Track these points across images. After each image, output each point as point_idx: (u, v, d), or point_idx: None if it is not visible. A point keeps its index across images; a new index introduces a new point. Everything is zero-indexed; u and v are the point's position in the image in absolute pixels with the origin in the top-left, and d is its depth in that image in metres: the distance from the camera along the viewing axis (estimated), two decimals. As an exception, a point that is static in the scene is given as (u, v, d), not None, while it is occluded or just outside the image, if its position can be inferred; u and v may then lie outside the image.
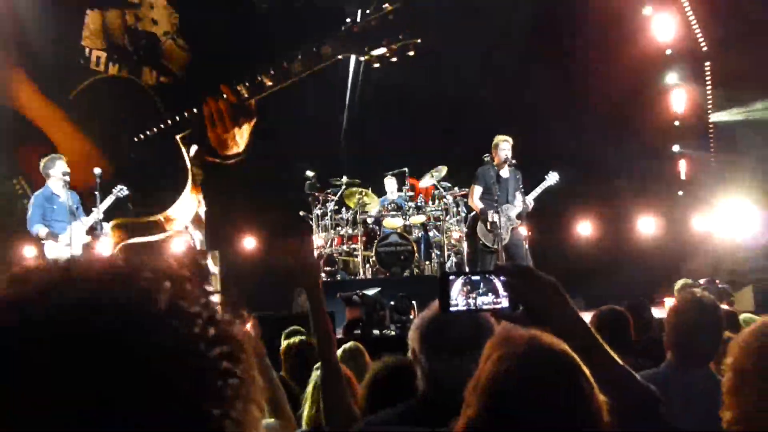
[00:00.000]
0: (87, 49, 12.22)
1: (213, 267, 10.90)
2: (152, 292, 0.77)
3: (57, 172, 11.30)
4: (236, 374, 0.79)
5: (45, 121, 13.77)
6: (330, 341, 3.76)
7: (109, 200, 11.80)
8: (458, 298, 2.21)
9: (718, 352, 4.41)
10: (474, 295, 2.20)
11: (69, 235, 11.07)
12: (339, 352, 5.99)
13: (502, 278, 2.17)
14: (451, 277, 2.23)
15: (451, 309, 2.21)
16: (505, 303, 2.17)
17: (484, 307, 2.20)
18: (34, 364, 0.70)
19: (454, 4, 17.26)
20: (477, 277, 2.22)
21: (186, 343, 0.75)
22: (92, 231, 11.51)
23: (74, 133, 13.34)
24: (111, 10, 12.66)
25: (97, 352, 0.71)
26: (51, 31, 13.28)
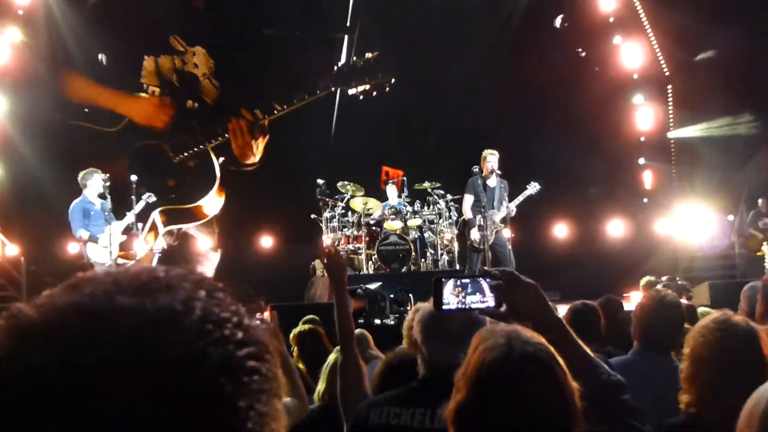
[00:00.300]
0: (145, 85, 12.76)
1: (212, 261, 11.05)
2: (190, 300, 0.80)
3: (94, 184, 11.34)
4: (261, 372, 0.81)
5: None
6: (350, 331, 3.76)
7: (140, 206, 11.86)
8: (450, 298, 2.27)
9: (680, 342, 4.48)
10: (463, 296, 2.26)
11: (107, 237, 11.12)
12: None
13: (488, 281, 2.23)
14: (444, 280, 2.29)
15: (444, 308, 2.27)
16: (491, 302, 2.21)
17: (473, 306, 2.24)
18: (96, 358, 0.73)
19: (443, 35, 17.35)
20: (466, 280, 2.27)
21: (218, 345, 0.78)
22: (128, 231, 11.56)
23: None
24: (163, 56, 13.67)
25: (144, 352, 0.75)
26: (117, 72, 13.85)
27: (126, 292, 0.79)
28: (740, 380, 2.84)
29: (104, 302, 0.78)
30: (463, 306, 2.24)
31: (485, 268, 2.31)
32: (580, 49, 17.97)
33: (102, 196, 11.28)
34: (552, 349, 1.89)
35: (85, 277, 0.83)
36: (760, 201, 14.85)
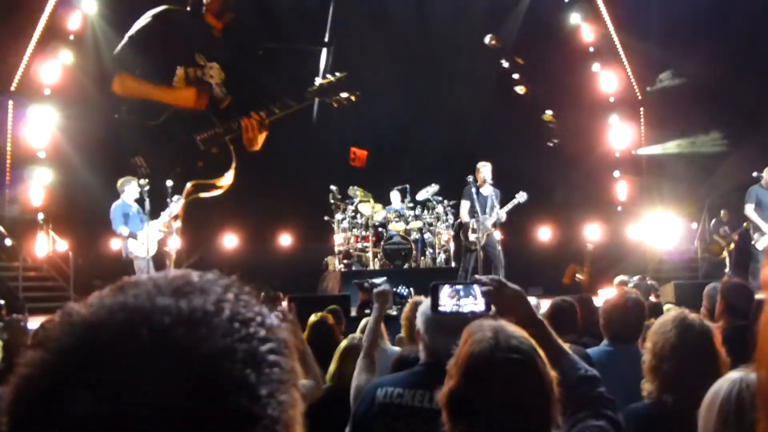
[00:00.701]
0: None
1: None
2: (221, 301, 0.82)
3: (131, 190, 11.45)
4: (281, 364, 0.83)
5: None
6: (374, 343, 3.92)
7: (170, 209, 11.97)
8: (445, 301, 2.28)
9: (643, 333, 4.48)
10: (457, 300, 2.26)
11: (145, 234, 11.19)
12: (361, 324, 6.07)
13: (479, 287, 2.24)
14: (440, 285, 2.30)
15: (440, 310, 2.28)
16: (482, 306, 2.23)
17: (465, 308, 2.26)
18: (136, 350, 0.76)
19: (439, 65, 17.46)
20: (460, 286, 2.28)
21: (244, 341, 0.80)
22: (163, 227, 11.68)
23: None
24: (190, 68, 15.76)
25: (179, 346, 0.77)
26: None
27: (165, 293, 0.82)
28: (696, 371, 2.86)
29: (146, 302, 0.80)
30: (457, 308, 2.26)
31: (476, 276, 2.32)
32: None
33: (139, 201, 11.40)
34: (533, 341, 1.89)
35: (130, 281, 0.86)
36: (722, 212, 14.81)
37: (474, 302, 2.25)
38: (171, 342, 0.77)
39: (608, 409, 2.13)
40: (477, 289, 2.25)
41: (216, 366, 0.77)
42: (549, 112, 18.15)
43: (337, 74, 14.69)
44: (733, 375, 2.07)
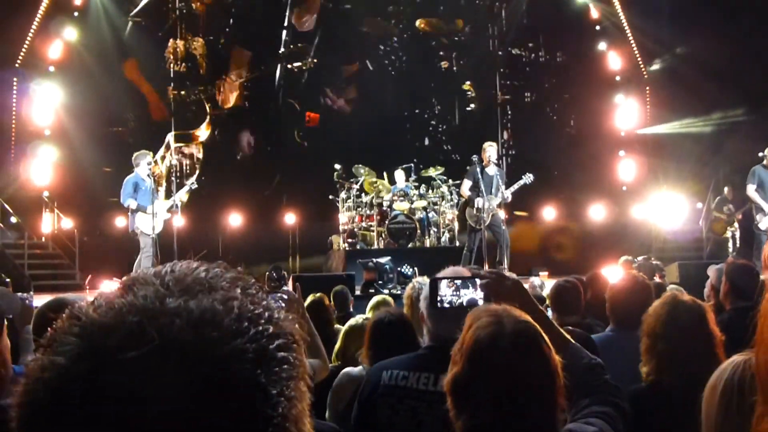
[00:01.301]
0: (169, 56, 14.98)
1: None
2: (229, 299, 0.81)
3: (145, 163, 11.47)
4: (289, 360, 0.82)
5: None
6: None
7: (184, 190, 12.01)
8: (445, 295, 2.31)
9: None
10: (457, 293, 2.29)
11: (153, 210, 11.22)
12: (373, 302, 6.11)
13: (478, 280, 2.27)
14: (439, 280, 2.33)
15: (439, 305, 2.31)
16: (481, 299, 2.26)
17: (465, 301, 2.29)
18: (147, 355, 0.75)
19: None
20: (459, 280, 2.31)
21: (253, 341, 0.79)
22: (170, 209, 11.71)
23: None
24: (179, 40, 17.54)
25: (190, 349, 0.76)
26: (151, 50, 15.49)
27: (173, 293, 0.81)
28: (691, 350, 2.90)
29: (154, 303, 0.79)
30: (457, 302, 2.28)
31: (475, 269, 2.34)
32: None
33: (149, 176, 11.45)
34: (538, 326, 1.91)
35: (138, 279, 0.84)
36: (726, 189, 14.79)
37: (474, 295, 2.27)
38: (181, 345, 0.76)
39: (613, 396, 2.15)
40: (476, 282, 2.27)
41: (227, 368, 0.77)
42: (468, 83, 18.96)
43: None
44: (737, 358, 2.10)
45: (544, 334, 1.89)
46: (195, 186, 12.45)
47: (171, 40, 18.13)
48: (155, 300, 0.80)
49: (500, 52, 19.35)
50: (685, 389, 2.33)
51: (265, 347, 0.81)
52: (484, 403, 1.83)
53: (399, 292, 10.26)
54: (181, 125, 17.74)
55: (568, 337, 2.25)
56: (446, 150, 18.61)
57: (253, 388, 0.78)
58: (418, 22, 19.17)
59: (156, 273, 0.85)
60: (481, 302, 2.26)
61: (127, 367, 0.75)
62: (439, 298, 2.32)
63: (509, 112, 19.24)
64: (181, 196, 11.64)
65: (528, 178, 12.32)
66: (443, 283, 2.32)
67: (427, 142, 18.74)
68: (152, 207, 11.22)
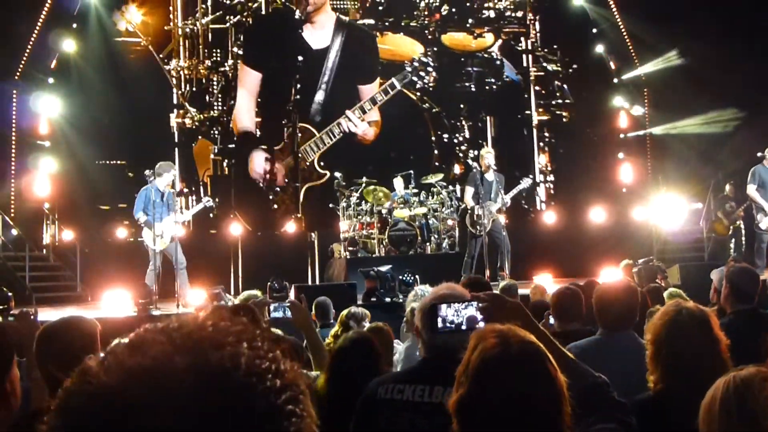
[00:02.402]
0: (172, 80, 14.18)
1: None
2: (236, 356, 0.82)
3: (168, 176, 11.50)
4: (297, 413, 0.83)
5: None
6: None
7: (199, 207, 12.03)
8: (445, 321, 2.30)
9: (640, 320, 4.49)
10: (456, 317, 2.29)
11: (161, 227, 11.24)
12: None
13: (477, 304, 2.27)
14: (438, 305, 2.32)
15: (440, 330, 2.31)
16: (481, 323, 2.25)
17: (465, 326, 2.28)
18: (159, 418, 0.76)
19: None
20: (459, 304, 2.30)
21: (261, 397, 0.80)
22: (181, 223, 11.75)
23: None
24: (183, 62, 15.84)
25: (200, 409, 0.77)
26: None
27: (181, 351, 0.81)
28: (697, 357, 2.90)
29: (164, 364, 0.80)
30: (457, 326, 2.28)
31: (474, 294, 2.34)
32: None
33: (172, 185, 11.50)
34: (543, 346, 1.90)
35: (146, 337, 0.84)
36: (727, 186, 14.80)
37: (473, 319, 2.27)
38: (192, 406, 0.77)
39: (619, 412, 2.15)
40: (475, 307, 2.27)
41: (236, 427, 0.78)
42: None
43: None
44: (729, 374, 2.09)
45: (549, 355, 1.89)
46: (211, 204, 12.49)
47: (174, 62, 17.57)
48: (164, 360, 0.80)
49: (534, 69, 18.90)
50: (693, 396, 2.32)
51: (274, 402, 0.81)
52: (491, 425, 1.83)
53: (401, 300, 10.28)
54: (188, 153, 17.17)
55: (571, 356, 2.25)
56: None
57: None
58: (444, 38, 18.53)
59: (164, 329, 0.85)
60: (481, 325, 2.25)
61: (138, 429, 0.75)
62: (439, 323, 2.32)
63: (546, 134, 18.79)
64: (194, 212, 11.69)
65: (526, 182, 12.37)
66: (443, 308, 2.31)
67: (457, 170, 17.69)
68: (161, 221, 11.26)
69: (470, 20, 18.63)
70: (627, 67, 18.15)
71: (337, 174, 14.73)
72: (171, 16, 17.67)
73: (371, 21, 18.17)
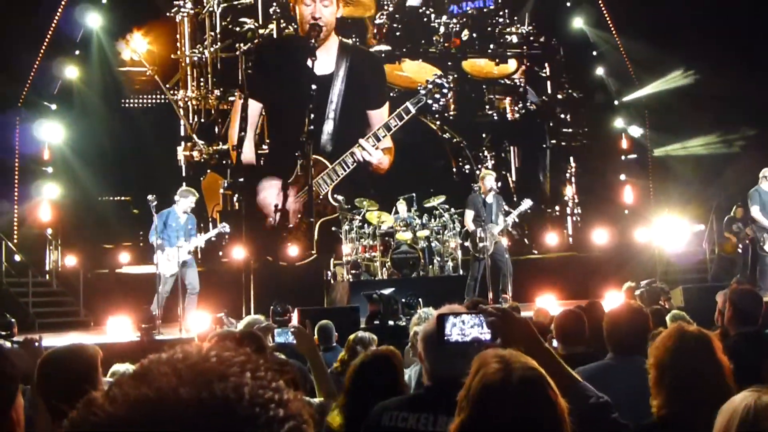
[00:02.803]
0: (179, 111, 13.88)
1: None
2: (240, 386, 0.82)
3: (187, 202, 11.55)
4: None
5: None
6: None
7: (214, 232, 12.03)
8: (452, 332, 2.29)
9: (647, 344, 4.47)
10: (464, 330, 2.28)
11: (175, 251, 11.26)
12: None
13: (485, 317, 2.26)
14: (446, 317, 2.31)
15: (446, 340, 2.30)
16: (488, 336, 2.24)
17: (471, 338, 2.27)
18: None
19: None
20: (466, 316, 2.30)
21: (264, 427, 0.80)
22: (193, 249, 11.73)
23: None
24: (190, 92, 14.86)
25: None
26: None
27: (185, 383, 0.81)
28: (700, 381, 2.87)
29: (168, 395, 0.80)
30: (464, 338, 2.27)
31: (482, 306, 2.33)
32: None
33: (192, 211, 11.54)
34: (543, 371, 1.90)
35: (151, 369, 0.85)
36: (735, 208, 14.75)
37: (480, 332, 2.26)
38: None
39: None
40: (483, 319, 2.26)
41: None
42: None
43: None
44: (747, 396, 2.07)
45: (550, 380, 1.89)
46: (227, 230, 12.50)
47: (181, 93, 17.30)
48: (169, 392, 0.80)
49: (559, 96, 18.69)
50: (697, 421, 2.31)
51: (277, 431, 0.82)
52: None
53: (404, 323, 10.25)
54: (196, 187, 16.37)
55: (576, 375, 2.24)
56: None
57: None
58: (465, 65, 18.22)
59: (168, 361, 0.86)
60: (488, 337, 2.25)
61: None
62: (446, 335, 2.31)
63: (572, 164, 18.58)
64: (209, 237, 11.72)
65: (526, 204, 12.39)
66: (449, 320, 2.31)
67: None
68: (172, 247, 11.27)
69: (492, 45, 18.31)
70: (627, 89, 18.18)
71: (339, 197, 14.73)
72: (178, 44, 17.52)
73: (388, 47, 17.82)
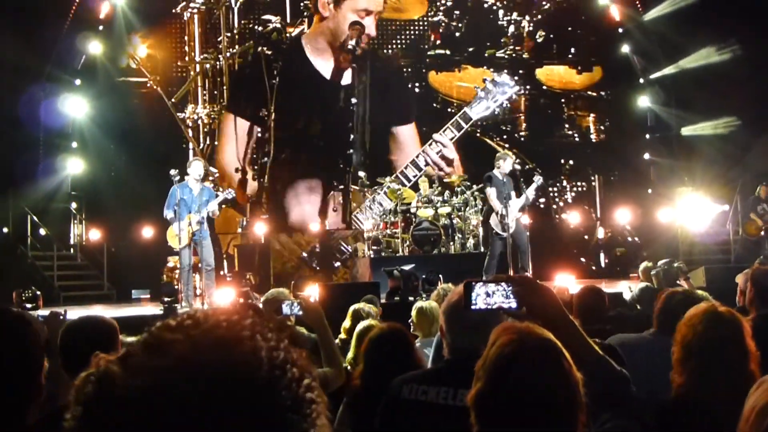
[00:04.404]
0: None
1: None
2: (256, 351, 0.82)
3: (193, 171, 11.50)
4: (315, 400, 0.84)
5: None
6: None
7: (220, 198, 12.03)
8: (478, 299, 2.30)
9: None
10: (489, 297, 2.29)
11: (186, 223, 11.25)
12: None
13: (511, 285, 2.27)
14: (473, 284, 2.32)
15: (472, 308, 2.30)
16: (513, 304, 2.25)
17: (496, 306, 2.28)
18: (184, 417, 0.76)
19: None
20: (492, 284, 2.30)
21: (286, 388, 0.81)
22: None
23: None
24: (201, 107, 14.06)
25: (230, 406, 0.78)
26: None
27: (203, 349, 0.81)
28: (725, 366, 2.84)
29: (189, 364, 0.80)
30: (489, 307, 2.28)
31: (509, 274, 2.35)
32: None
33: (203, 179, 11.62)
34: (559, 343, 1.93)
35: (163, 337, 0.84)
36: (759, 188, 14.61)
37: (505, 300, 2.27)
38: (218, 402, 0.77)
39: (636, 410, 2.15)
40: (508, 287, 2.27)
41: (265, 418, 0.79)
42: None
43: None
44: None
45: (565, 351, 1.91)
46: (231, 195, 12.43)
47: (190, 108, 15.89)
48: (187, 359, 0.80)
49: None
50: (716, 404, 2.30)
51: (297, 392, 0.83)
52: (506, 419, 1.86)
53: (424, 299, 10.27)
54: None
55: (596, 348, 2.24)
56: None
57: (289, 427, 0.81)
58: (539, 73, 16.92)
59: (179, 327, 0.85)
60: (513, 305, 2.25)
61: (164, 428, 0.76)
62: (472, 303, 2.32)
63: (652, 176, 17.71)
64: (214, 207, 11.59)
65: (538, 180, 12.38)
66: (476, 287, 2.32)
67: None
68: (187, 220, 11.28)
69: (572, 49, 16.65)
70: (653, 67, 17.99)
71: (361, 173, 14.72)
72: (186, 48, 16.30)
73: (447, 51, 16.10)
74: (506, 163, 12.28)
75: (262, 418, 0.79)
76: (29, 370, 2.27)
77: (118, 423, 0.76)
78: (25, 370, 2.26)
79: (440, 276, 11.34)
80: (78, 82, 16.07)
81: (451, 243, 14.21)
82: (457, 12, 15.98)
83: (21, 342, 2.27)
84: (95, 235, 15.80)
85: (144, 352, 0.82)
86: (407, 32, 16.32)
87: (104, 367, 0.82)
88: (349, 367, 4.69)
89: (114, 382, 0.80)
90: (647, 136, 18.19)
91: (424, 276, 11.43)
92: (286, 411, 0.80)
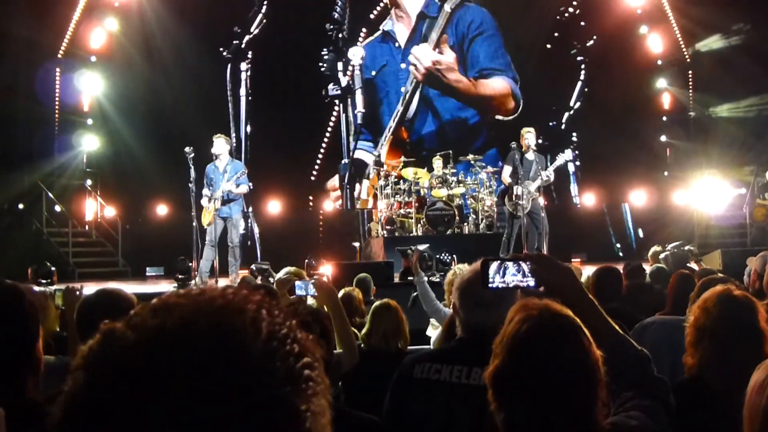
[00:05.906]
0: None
1: None
2: (257, 321, 0.83)
3: (214, 149, 11.51)
4: (314, 378, 0.84)
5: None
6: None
7: (236, 187, 11.99)
8: (495, 277, 2.27)
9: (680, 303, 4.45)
10: (507, 275, 2.26)
11: (211, 197, 11.28)
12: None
13: (528, 263, 2.24)
14: (490, 262, 2.29)
15: (490, 286, 2.27)
16: (531, 282, 2.22)
17: (514, 284, 2.25)
18: (181, 374, 0.77)
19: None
20: (510, 262, 2.27)
21: (283, 360, 0.82)
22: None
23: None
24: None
25: (222, 370, 0.79)
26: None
27: (205, 314, 0.83)
28: (739, 348, 2.81)
29: (190, 325, 0.81)
30: (506, 285, 2.25)
31: (526, 252, 2.32)
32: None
33: (229, 154, 11.61)
34: (578, 320, 1.90)
35: (169, 301, 0.86)
36: (767, 173, 14.53)
37: (523, 279, 2.24)
38: (216, 365, 0.78)
39: (658, 389, 2.12)
40: (526, 266, 2.24)
41: (258, 388, 0.79)
42: None
43: None
44: None
45: (584, 328, 1.88)
46: (245, 190, 12.42)
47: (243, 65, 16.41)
48: (189, 320, 0.82)
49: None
50: (729, 387, 2.27)
51: (293, 366, 0.83)
52: (524, 396, 1.84)
53: (438, 279, 10.25)
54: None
55: (617, 327, 2.21)
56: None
57: (283, 406, 0.81)
58: None
59: (186, 294, 0.87)
60: (531, 284, 2.23)
61: (160, 387, 0.77)
62: (489, 281, 2.30)
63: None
64: (230, 186, 11.53)
65: (566, 155, 12.25)
66: (494, 265, 2.29)
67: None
68: (209, 194, 11.29)
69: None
70: (671, 48, 17.83)
71: (376, 152, 14.70)
72: None
73: None
74: (528, 139, 12.18)
75: (251, 384, 0.79)
76: (23, 342, 2.27)
77: (113, 376, 0.79)
78: (19, 342, 2.26)
79: (454, 256, 11.33)
80: (94, 58, 16.05)
81: (465, 223, 14.20)
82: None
83: (14, 313, 2.27)
84: (110, 212, 15.86)
85: (149, 313, 0.84)
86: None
87: (109, 325, 0.85)
88: (362, 345, 4.69)
89: (115, 337, 0.82)
90: (664, 118, 18.05)
91: (438, 256, 11.43)
92: (277, 381, 0.81)
